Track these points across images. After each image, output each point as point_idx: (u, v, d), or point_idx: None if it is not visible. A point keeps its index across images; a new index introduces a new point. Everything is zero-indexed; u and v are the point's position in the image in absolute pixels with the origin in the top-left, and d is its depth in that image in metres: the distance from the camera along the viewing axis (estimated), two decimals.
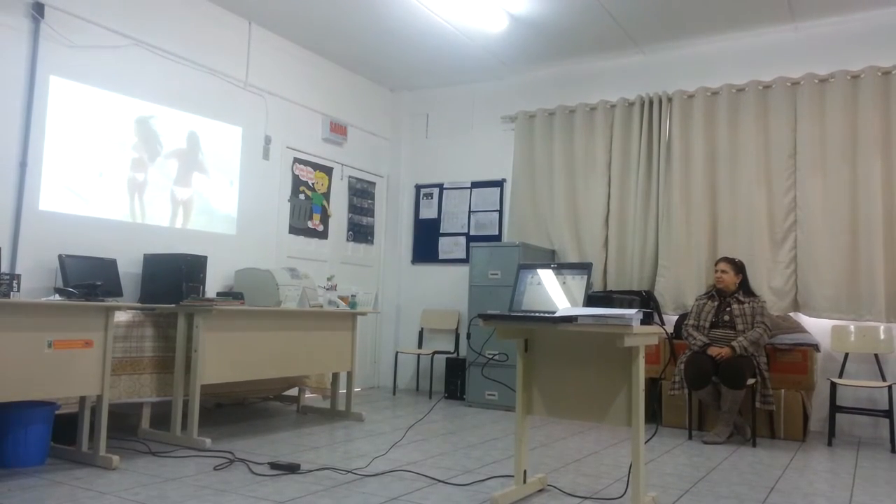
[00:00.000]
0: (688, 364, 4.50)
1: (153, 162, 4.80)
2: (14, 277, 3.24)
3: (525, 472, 3.02)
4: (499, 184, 6.58)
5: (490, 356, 5.48)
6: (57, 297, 3.30)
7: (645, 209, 5.75)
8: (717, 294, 4.73)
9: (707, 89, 5.61)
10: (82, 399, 3.33)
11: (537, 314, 2.86)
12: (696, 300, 4.84)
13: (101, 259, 4.19)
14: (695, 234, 5.49)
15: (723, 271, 4.71)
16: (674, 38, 5.66)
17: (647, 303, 5.12)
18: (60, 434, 3.46)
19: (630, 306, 2.90)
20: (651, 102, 5.83)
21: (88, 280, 3.67)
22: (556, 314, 2.75)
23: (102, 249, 4.31)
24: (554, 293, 2.98)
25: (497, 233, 6.53)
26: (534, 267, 3.08)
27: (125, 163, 4.61)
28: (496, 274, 5.68)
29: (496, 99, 6.67)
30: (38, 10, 4.13)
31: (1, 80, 3.96)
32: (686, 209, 5.56)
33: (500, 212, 6.55)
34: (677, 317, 5.34)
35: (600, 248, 5.86)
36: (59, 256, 3.97)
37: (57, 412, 3.41)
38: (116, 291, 4.14)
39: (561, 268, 3.05)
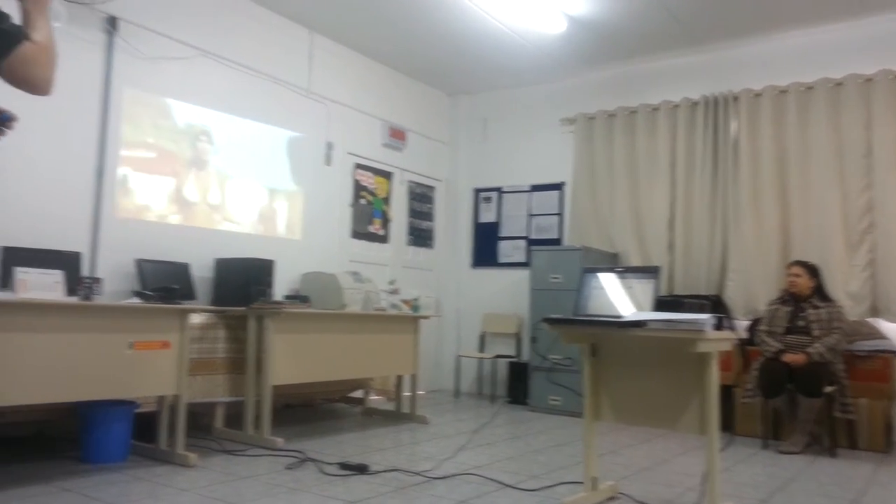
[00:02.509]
0: (762, 371, 4.37)
1: (221, 169, 4.94)
2: (96, 281, 3.39)
3: (595, 478, 2.98)
4: (558, 187, 6.53)
5: (555, 360, 5.42)
6: (137, 300, 3.43)
7: (711, 211, 5.60)
8: (791, 299, 4.58)
9: (775, 87, 5.44)
10: (161, 398, 3.44)
11: (604, 318, 2.82)
12: (769, 305, 4.69)
13: (174, 263, 4.33)
14: (765, 236, 5.32)
15: (796, 275, 4.56)
16: (738, 36, 5.51)
17: (716, 307, 4.98)
18: (140, 432, 3.58)
19: (701, 311, 2.84)
20: (716, 102, 5.69)
21: (164, 283, 3.79)
22: (625, 318, 2.71)
23: (176, 254, 4.45)
24: (620, 297, 2.94)
25: (557, 236, 6.47)
26: (599, 270, 3.05)
27: (195, 170, 4.77)
28: (558, 278, 5.63)
29: (554, 101, 6.63)
30: (112, 24, 4.30)
31: (78, 91, 4.13)
32: (755, 211, 5.39)
33: (561, 215, 6.49)
34: (748, 322, 5.18)
35: (665, 251, 5.74)
36: (137, 261, 4.13)
37: (136, 411, 3.54)
38: (190, 295, 4.27)
39: (627, 271, 3.01)
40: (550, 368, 5.42)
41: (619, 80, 6.26)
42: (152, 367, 3.26)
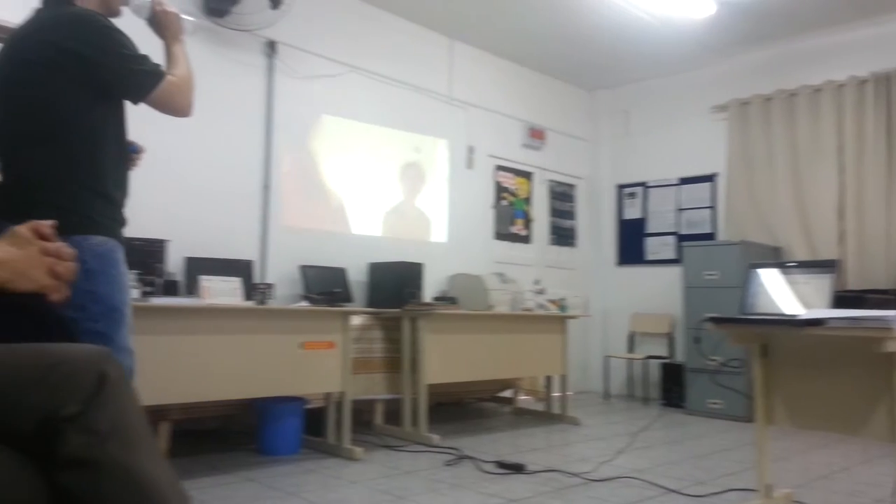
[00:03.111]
0: None
1: (373, 178, 5.16)
2: (269, 287, 3.66)
3: (769, 485, 2.80)
4: (710, 178, 6.20)
5: (719, 362, 5.11)
6: (305, 303, 3.67)
7: (888, 198, 5.09)
8: None
9: None
10: (328, 395, 3.65)
11: (777, 317, 2.65)
12: None
13: (333, 268, 4.58)
14: None
15: None
16: None
17: None
18: (307, 426, 3.82)
19: (885, 307, 2.59)
20: (888, 79, 5.18)
21: (325, 288, 4.02)
22: (803, 317, 2.52)
23: (334, 260, 4.70)
24: (792, 294, 2.75)
25: (710, 230, 6.15)
26: (767, 266, 2.88)
27: (349, 180, 5.02)
28: (713, 274, 5.34)
29: (702, 88, 6.30)
30: (271, 47, 4.63)
31: (244, 112, 4.47)
32: None
33: (713, 208, 6.17)
34: None
35: (834, 242, 5.28)
36: (301, 267, 4.40)
37: (305, 407, 3.77)
38: (348, 298, 4.49)
39: (798, 267, 2.81)
40: (715, 371, 5.12)
41: (775, 62, 5.84)
42: (320, 365, 3.47)
